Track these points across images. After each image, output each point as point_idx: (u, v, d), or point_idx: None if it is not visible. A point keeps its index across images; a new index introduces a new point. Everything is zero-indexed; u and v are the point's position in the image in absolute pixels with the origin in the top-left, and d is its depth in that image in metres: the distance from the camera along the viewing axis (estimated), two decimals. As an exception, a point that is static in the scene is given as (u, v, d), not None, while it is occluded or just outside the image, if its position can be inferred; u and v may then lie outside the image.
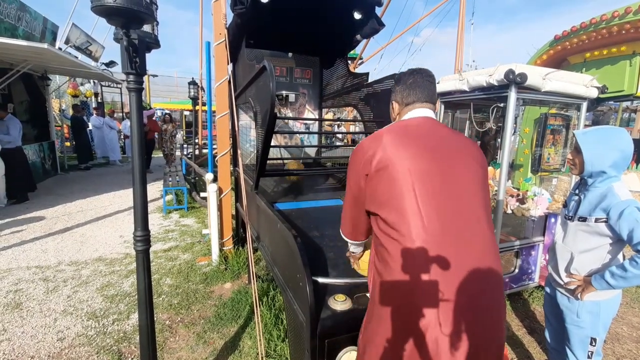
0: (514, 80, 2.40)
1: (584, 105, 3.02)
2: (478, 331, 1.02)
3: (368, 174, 1.14)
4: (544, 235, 3.03)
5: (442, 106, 3.38)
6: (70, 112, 10.93)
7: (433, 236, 1.03)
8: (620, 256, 1.57)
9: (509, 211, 3.24)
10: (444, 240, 1.04)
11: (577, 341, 1.65)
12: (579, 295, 1.58)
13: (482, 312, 1.04)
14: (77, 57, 7.06)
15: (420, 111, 1.25)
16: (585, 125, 3.79)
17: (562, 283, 1.67)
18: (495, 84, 2.55)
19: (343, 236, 1.45)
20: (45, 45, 4.78)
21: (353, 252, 1.58)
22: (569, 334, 1.67)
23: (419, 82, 1.26)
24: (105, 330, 2.54)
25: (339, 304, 1.53)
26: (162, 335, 2.48)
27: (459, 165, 1.15)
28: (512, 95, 2.50)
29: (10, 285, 3.14)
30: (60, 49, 6.69)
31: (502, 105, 2.90)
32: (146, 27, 1.41)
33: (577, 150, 1.59)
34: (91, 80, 11.96)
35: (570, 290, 1.64)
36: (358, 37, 3.17)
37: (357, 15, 2.83)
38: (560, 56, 4.96)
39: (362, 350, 1.20)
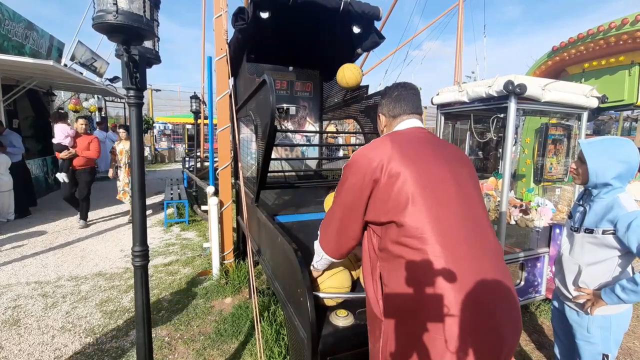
0: (514, 91, 2.40)
1: (585, 115, 3.02)
2: (487, 347, 0.99)
3: (378, 182, 1.11)
4: (549, 246, 2.98)
5: (442, 117, 3.39)
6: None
7: (448, 245, 1.02)
8: (629, 269, 1.53)
9: (513, 222, 3.20)
10: (458, 249, 1.03)
11: (589, 357, 1.60)
12: (588, 310, 1.54)
13: (492, 328, 1.01)
14: (82, 73, 7.20)
15: (411, 122, 1.28)
16: (587, 135, 3.78)
17: (570, 297, 1.63)
18: (495, 94, 2.56)
19: (321, 250, 1.37)
20: (50, 62, 4.88)
21: (317, 269, 1.51)
22: (580, 350, 1.62)
23: (404, 94, 1.30)
24: (103, 347, 2.49)
25: (341, 319, 1.49)
26: (161, 352, 2.43)
27: (463, 172, 1.19)
28: (512, 105, 2.50)
29: (9, 301, 3.10)
30: (65, 65, 6.83)
31: (502, 115, 2.91)
32: (147, 43, 1.43)
33: (581, 160, 1.57)
34: (95, 96, 12.15)
35: (579, 304, 1.60)
36: (359, 50, 3.21)
37: (356, 30, 2.87)
38: (558, 67, 5.00)
39: None
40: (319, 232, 1.39)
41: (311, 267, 1.54)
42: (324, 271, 1.55)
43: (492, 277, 1.03)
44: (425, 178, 1.09)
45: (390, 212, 1.09)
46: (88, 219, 5.54)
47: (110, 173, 5.85)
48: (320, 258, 1.41)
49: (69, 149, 5.17)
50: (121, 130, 5.82)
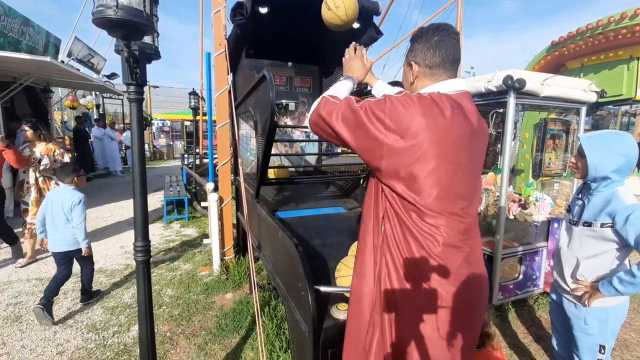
0: (513, 86, 2.41)
1: (583, 109, 3.03)
2: (471, 331, 1.11)
3: (410, 149, 0.95)
4: (547, 240, 3.00)
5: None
6: (73, 123, 11.02)
7: (452, 238, 1.03)
8: (627, 261, 1.55)
9: (511, 217, 3.22)
10: (461, 243, 1.05)
11: (586, 349, 1.62)
12: (586, 302, 1.56)
13: (476, 314, 1.13)
14: (79, 70, 7.15)
15: (458, 83, 1.07)
16: (585, 130, 3.79)
17: (568, 289, 1.65)
18: (494, 89, 2.57)
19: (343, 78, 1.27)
20: (47, 59, 4.84)
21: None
22: (577, 341, 1.64)
23: (446, 41, 1.06)
24: (105, 342, 2.50)
25: (342, 312, 1.51)
26: (163, 347, 2.45)
27: (480, 163, 1.12)
28: (511, 100, 2.51)
29: (10, 298, 3.11)
30: (62, 61, 6.79)
31: (501, 110, 2.91)
32: (147, 39, 1.43)
33: (580, 154, 1.58)
34: (93, 92, 12.09)
35: (577, 296, 1.62)
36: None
37: (355, 25, 2.86)
38: (557, 62, 5.00)
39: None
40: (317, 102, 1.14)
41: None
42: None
43: (477, 277, 1.09)
44: (457, 164, 1.00)
45: (417, 189, 0.97)
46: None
47: (20, 191, 4.03)
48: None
49: None
50: (26, 128, 3.79)
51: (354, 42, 1.40)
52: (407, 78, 1.16)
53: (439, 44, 1.06)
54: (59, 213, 2.77)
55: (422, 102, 0.97)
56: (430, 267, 1.01)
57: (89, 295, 3.07)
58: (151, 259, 1.52)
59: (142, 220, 1.42)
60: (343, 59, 1.39)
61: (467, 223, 1.05)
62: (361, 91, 3.00)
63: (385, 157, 0.98)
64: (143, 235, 1.43)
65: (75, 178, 2.92)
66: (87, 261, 2.98)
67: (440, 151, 0.96)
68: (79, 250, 2.87)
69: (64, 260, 2.85)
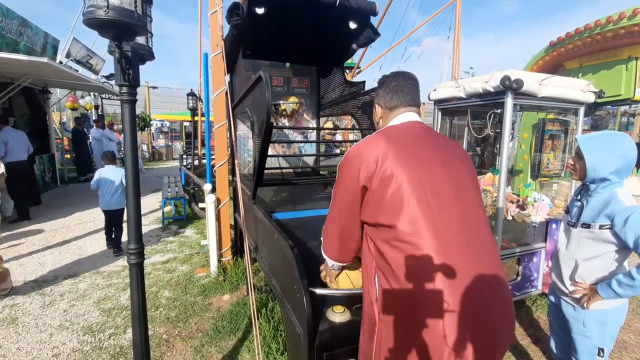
0: (510, 87, 2.40)
1: (582, 110, 3.02)
2: (483, 342, 1.00)
3: (371, 180, 1.08)
4: (545, 241, 2.99)
5: (440, 113, 3.38)
6: (71, 124, 11.00)
7: (444, 247, 1.01)
8: (626, 263, 1.54)
9: (509, 217, 3.20)
10: (454, 250, 1.02)
11: (585, 351, 1.61)
12: (584, 304, 1.54)
13: (488, 323, 1.02)
14: (77, 71, 7.13)
15: (407, 115, 1.22)
16: (584, 130, 3.78)
17: (566, 291, 1.63)
18: (492, 90, 2.56)
19: (326, 258, 1.36)
20: (45, 60, 4.82)
21: (333, 270, 1.47)
22: (576, 344, 1.63)
23: (402, 85, 1.23)
24: (101, 345, 2.49)
25: (338, 315, 1.49)
26: (159, 349, 2.43)
27: (461, 171, 1.15)
28: (509, 101, 2.50)
29: (6, 299, 3.09)
30: (61, 62, 6.77)
31: (499, 111, 2.90)
32: (140, 39, 1.42)
33: (578, 156, 1.56)
34: (92, 93, 12.07)
35: (575, 299, 1.60)
36: (354, 46, 3.19)
37: (352, 25, 2.86)
38: (556, 62, 4.98)
39: None
40: (321, 239, 1.36)
41: (323, 274, 1.52)
42: (343, 269, 1.51)
43: (489, 274, 1.03)
44: (421, 180, 1.05)
45: (385, 214, 1.06)
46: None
47: None
48: (331, 265, 1.40)
49: None
50: None
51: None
52: (375, 117, 1.35)
53: (396, 89, 1.23)
54: None
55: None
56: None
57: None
58: (148, 260, 1.50)
59: (136, 223, 1.41)
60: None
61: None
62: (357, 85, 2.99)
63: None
64: (136, 238, 1.41)
65: None
66: None
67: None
68: None
69: None
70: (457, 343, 0.96)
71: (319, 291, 1.51)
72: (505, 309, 1.06)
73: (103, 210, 4.12)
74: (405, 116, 1.22)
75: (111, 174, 4.03)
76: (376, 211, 1.08)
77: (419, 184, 1.05)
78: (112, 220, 4.18)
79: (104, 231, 4.41)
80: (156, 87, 16.92)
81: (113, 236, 4.23)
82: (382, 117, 1.28)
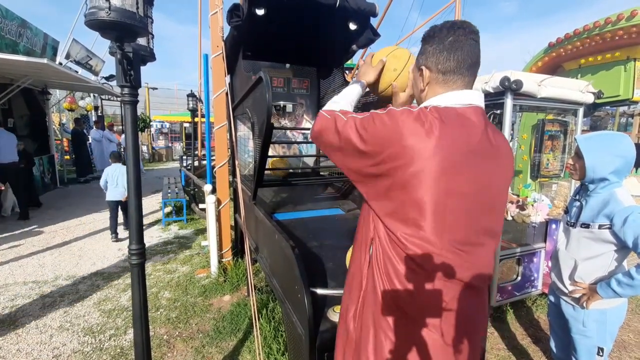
0: (510, 87, 2.41)
1: (581, 110, 3.03)
2: (473, 341, 1.03)
3: (397, 170, 0.87)
4: (545, 241, 2.99)
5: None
6: (71, 126, 11.00)
7: (452, 250, 0.94)
8: (625, 263, 1.54)
9: (509, 218, 3.21)
10: (460, 252, 0.96)
11: (584, 351, 1.61)
12: (584, 304, 1.55)
13: (476, 323, 1.06)
14: (77, 72, 7.13)
15: (469, 95, 0.93)
16: (583, 131, 3.79)
17: (566, 291, 1.64)
18: (491, 91, 2.57)
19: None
20: (44, 61, 4.83)
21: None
22: (575, 343, 1.63)
23: (462, 42, 0.91)
24: (101, 346, 2.49)
25: (338, 315, 1.50)
26: (160, 350, 2.43)
27: (499, 183, 0.98)
28: (508, 101, 2.51)
29: (6, 301, 3.09)
30: (60, 63, 6.77)
31: (498, 112, 2.91)
32: (142, 40, 1.42)
33: (578, 156, 1.57)
34: (91, 94, 12.07)
35: (575, 298, 1.61)
36: (354, 47, 3.20)
37: (352, 26, 2.86)
38: (555, 63, 5.00)
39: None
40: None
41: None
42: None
43: (478, 282, 1.02)
44: (457, 189, 0.87)
45: (404, 202, 0.89)
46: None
47: None
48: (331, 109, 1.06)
49: None
50: None
51: (370, 52, 1.35)
52: (416, 84, 1.02)
53: (453, 46, 0.91)
54: None
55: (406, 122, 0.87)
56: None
57: None
58: (149, 261, 1.51)
59: (137, 223, 1.41)
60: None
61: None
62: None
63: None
64: (138, 238, 1.42)
65: None
66: None
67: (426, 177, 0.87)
68: None
69: None
70: (454, 343, 0.99)
71: (319, 291, 1.52)
72: (484, 310, 1.10)
73: (109, 201, 4.61)
74: (466, 95, 0.92)
75: (117, 171, 4.58)
76: (398, 194, 0.89)
77: (446, 206, 0.88)
78: (121, 205, 4.72)
79: (104, 231, 4.43)
80: (156, 88, 16.93)
81: (123, 220, 4.98)
82: (430, 83, 0.97)
